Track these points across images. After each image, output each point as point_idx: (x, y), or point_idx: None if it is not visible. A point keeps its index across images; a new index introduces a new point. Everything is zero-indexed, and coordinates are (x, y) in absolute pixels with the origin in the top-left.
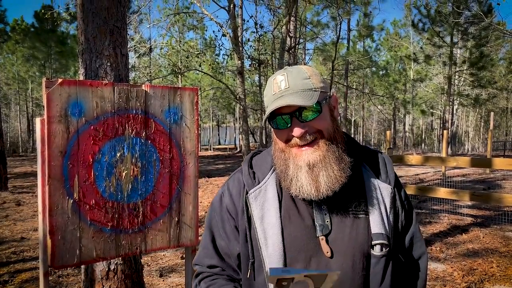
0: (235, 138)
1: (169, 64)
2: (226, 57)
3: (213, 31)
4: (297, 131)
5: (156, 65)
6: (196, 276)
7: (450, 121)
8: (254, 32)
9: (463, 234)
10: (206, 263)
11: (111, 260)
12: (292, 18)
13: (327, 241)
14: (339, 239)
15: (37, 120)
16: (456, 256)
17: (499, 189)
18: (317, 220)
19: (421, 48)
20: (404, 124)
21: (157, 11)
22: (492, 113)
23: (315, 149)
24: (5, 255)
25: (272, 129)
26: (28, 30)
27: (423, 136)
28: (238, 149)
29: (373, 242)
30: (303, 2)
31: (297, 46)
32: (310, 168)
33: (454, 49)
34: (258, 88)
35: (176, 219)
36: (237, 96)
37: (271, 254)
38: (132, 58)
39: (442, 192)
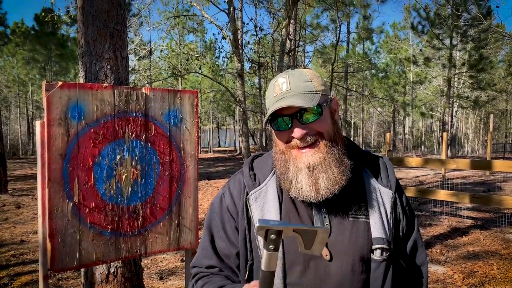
0: (235, 140)
1: (169, 67)
2: (226, 59)
3: (213, 34)
4: (297, 133)
5: (156, 68)
6: (193, 277)
7: (449, 123)
8: (254, 34)
9: (464, 236)
10: (205, 263)
11: (111, 263)
12: (291, 21)
13: (326, 244)
14: (338, 242)
15: (37, 123)
16: (457, 259)
17: (499, 191)
18: (316, 223)
19: (420, 50)
20: (404, 126)
21: (157, 14)
22: (491, 115)
23: (316, 151)
24: (4, 258)
25: (273, 131)
26: (29, 32)
27: (423, 138)
28: (238, 152)
29: (374, 247)
30: (303, 5)
31: (296, 48)
32: (310, 170)
33: (453, 51)
34: (258, 90)
35: (176, 222)
36: (237, 98)
37: None
38: (132, 61)
39: (442, 194)
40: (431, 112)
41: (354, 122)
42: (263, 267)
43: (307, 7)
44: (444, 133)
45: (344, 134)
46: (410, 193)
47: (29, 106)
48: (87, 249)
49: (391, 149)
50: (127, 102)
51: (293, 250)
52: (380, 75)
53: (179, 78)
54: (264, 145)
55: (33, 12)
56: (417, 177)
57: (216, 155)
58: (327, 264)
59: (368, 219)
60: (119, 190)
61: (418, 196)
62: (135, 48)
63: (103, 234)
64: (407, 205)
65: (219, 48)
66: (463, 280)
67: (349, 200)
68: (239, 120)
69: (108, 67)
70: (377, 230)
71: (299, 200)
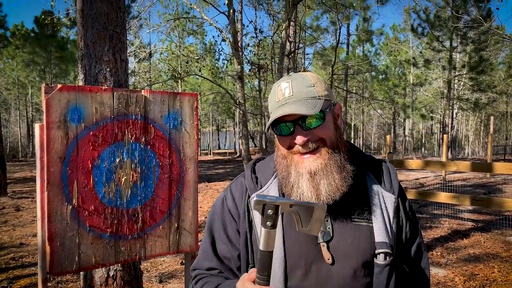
0: (235, 142)
1: (169, 69)
2: (226, 62)
3: (213, 36)
4: (299, 139)
5: (156, 70)
6: (193, 279)
7: (450, 125)
8: (253, 37)
9: (464, 239)
10: (205, 266)
11: (111, 266)
12: (291, 23)
13: (328, 248)
14: (340, 246)
15: (36, 126)
16: (457, 261)
17: (499, 193)
18: None
19: (420, 52)
20: (404, 129)
21: (157, 16)
22: (492, 117)
23: (317, 157)
24: (4, 261)
25: (275, 135)
26: (28, 35)
27: (423, 140)
28: (238, 154)
29: (377, 251)
30: (303, 7)
31: (296, 50)
32: (311, 176)
33: (453, 53)
34: (258, 92)
35: (176, 225)
36: (237, 100)
37: None
38: (132, 63)
39: (443, 197)
40: (431, 114)
41: (354, 124)
42: (261, 247)
43: (307, 9)
44: (445, 135)
45: (344, 136)
46: (410, 195)
47: (29, 109)
48: (86, 252)
49: (391, 151)
50: (126, 105)
51: (294, 253)
52: (380, 77)
53: (179, 81)
54: (264, 147)
55: (33, 15)
56: (418, 179)
57: (216, 157)
58: (329, 268)
59: (371, 223)
60: (119, 193)
61: (418, 199)
62: (134, 51)
63: (102, 237)
64: (410, 210)
65: (219, 50)
66: (464, 283)
67: (352, 204)
68: (239, 122)
69: (108, 69)
70: (380, 234)
71: None
